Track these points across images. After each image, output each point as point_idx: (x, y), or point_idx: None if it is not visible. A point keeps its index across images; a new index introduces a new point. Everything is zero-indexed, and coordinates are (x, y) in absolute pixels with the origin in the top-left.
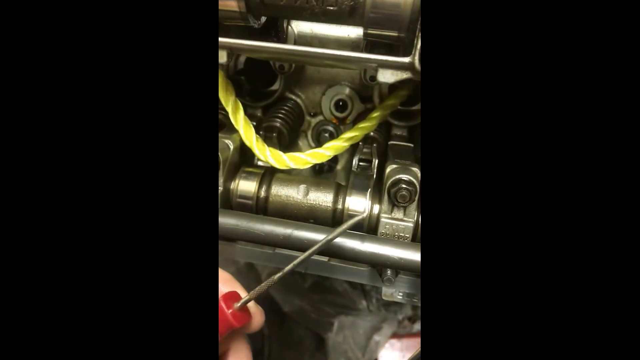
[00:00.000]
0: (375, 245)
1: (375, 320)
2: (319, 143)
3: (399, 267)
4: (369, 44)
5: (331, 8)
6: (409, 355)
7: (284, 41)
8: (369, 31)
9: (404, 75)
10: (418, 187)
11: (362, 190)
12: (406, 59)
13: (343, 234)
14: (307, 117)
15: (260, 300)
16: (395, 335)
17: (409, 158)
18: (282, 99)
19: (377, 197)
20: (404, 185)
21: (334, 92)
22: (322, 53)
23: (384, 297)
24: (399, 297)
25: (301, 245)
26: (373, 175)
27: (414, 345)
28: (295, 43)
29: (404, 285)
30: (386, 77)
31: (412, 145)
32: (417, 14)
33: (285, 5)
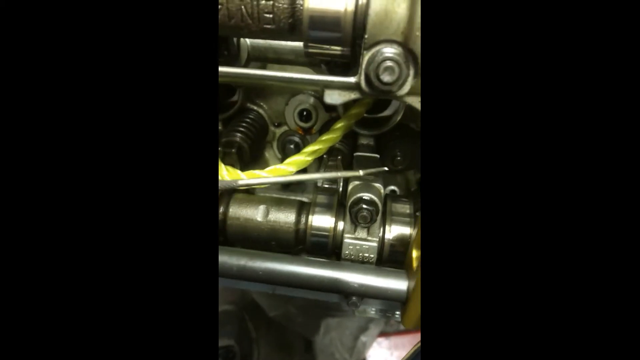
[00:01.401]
0: (335, 272)
1: (361, 320)
2: (284, 154)
3: (360, 294)
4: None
5: (268, 26)
6: (397, 352)
7: (236, 55)
8: (310, 50)
9: (352, 95)
10: (380, 205)
11: (326, 207)
12: (352, 79)
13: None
14: (272, 128)
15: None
16: (383, 334)
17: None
18: (242, 110)
19: (342, 214)
20: (364, 206)
21: (298, 101)
22: (263, 75)
23: (357, 314)
24: (372, 312)
25: (257, 277)
26: (339, 189)
27: (402, 342)
28: (248, 56)
29: (376, 301)
30: (333, 98)
31: (377, 155)
32: (360, 29)
33: (221, 24)
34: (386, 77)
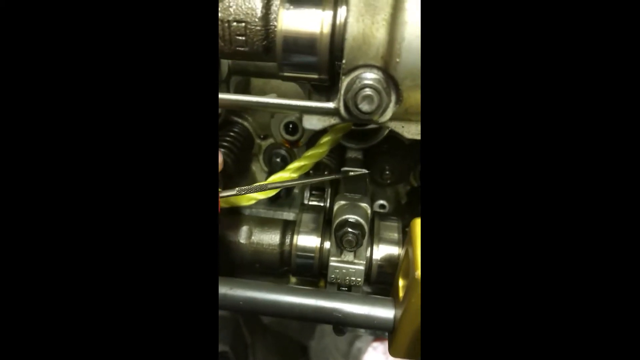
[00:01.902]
0: (319, 300)
1: None
2: (271, 167)
3: (344, 324)
4: None
5: (241, 49)
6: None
7: (221, 77)
8: (285, 74)
9: (332, 121)
10: (366, 227)
11: (311, 226)
12: (331, 105)
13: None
14: (257, 140)
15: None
16: (378, 339)
17: (361, 186)
18: (226, 123)
19: (328, 232)
20: (349, 229)
21: (283, 114)
22: (238, 100)
23: (347, 331)
24: (362, 332)
25: (238, 307)
26: (325, 206)
27: None
28: (229, 70)
29: None
30: (312, 123)
31: (366, 171)
32: (339, 53)
33: None
34: (365, 106)
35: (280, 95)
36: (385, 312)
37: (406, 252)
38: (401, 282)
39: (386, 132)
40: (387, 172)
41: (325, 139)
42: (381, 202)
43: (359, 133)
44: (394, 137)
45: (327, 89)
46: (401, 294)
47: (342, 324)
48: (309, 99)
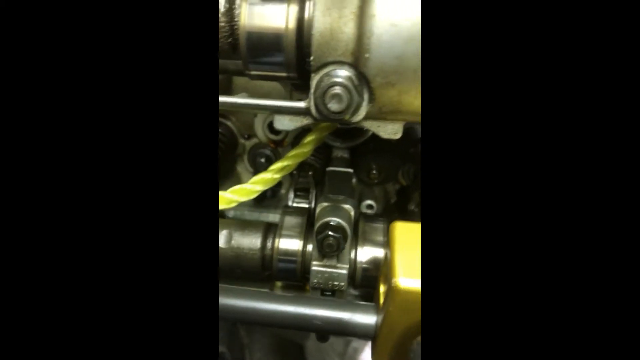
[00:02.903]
0: (298, 307)
1: None
2: (255, 168)
3: (324, 331)
4: None
5: None
6: None
7: None
8: (252, 72)
9: (304, 121)
10: (349, 231)
11: (294, 229)
12: (302, 104)
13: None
14: (242, 140)
15: None
16: None
17: (346, 186)
18: None
19: (311, 235)
20: (330, 233)
21: (267, 113)
22: None
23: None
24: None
25: (225, 316)
26: (310, 208)
27: None
28: None
29: None
30: (284, 124)
31: (351, 170)
32: (307, 49)
33: None
34: (334, 106)
35: (262, 94)
36: (366, 319)
37: (385, 257)
38: (382, 288)
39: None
40: (375, 172)
41: (310, 138)
42: (369, 202)
43: (345, 131)
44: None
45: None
46: (382, 300)
47: (322, 332)
48: (290, 97)
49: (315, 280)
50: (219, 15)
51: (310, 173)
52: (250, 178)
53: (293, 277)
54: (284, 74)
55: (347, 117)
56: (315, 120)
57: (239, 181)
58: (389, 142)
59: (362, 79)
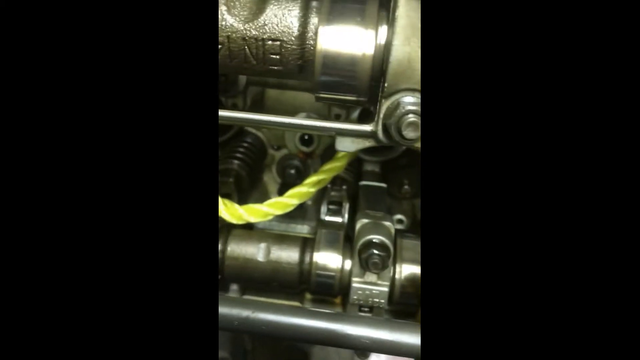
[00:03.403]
0: (343, 325)
1: None
2: (284, 179)
3: (371, 350)
4: None
5: (275, 68)
6: None
7: (234, 81)
8: (321, 95)
9: (367, 143)
10: (392, 249)
11: (332, 244)
12: (368, 127)
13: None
14: (271, 151)
15: None
16: None
17: (382, 201)
18: (239, 133)
19: (348, 250)
20: (375, 252)
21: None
22: (265, 121)
23: None
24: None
25: (260, 331)
26: (344, 223)
27: None
28: (247, 80)
29: None
30: (346, 146)
31: (384, 185)
32: (378, 75)
33: (221, 65)
34: (410, 134)
35: (296, 108)
36: (412, 339)
37: None
38: None
39: (403, 147)
40: (406, 187)
41: (343, 152)
42: (399, 216)
43: (377, 146)
44: (413, 151)
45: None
46: None
47: (370, 350)
48: (329, 113)
49: (355, 297)
50: (292, 38)
51: (343, 187)
52: (276, 188)
53: (330, 292)
54: (353, 98)
55: (417, 144)
56: (378, 144)
57: (265, 191)
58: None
59: None
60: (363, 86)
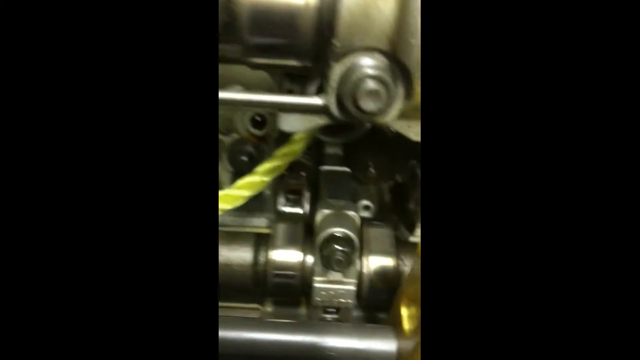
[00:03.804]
0: (306, 336)
1: None
2: (237, 167)
3: None
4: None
5: None
6: None
7: None
8: (253, 59)
9: (319, 121)
10: (357, 242)
11: (290, 239)
12: (317, 101)
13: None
14: (220, 137)
15: None
16: None
17: (346, 188)
18: None
19: (310, 245)
20: (338, 247)
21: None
22: None
23: None
24: None
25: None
26: (305, 214)
27: None
28: None
29: None
30: (292, 125)
31: (348, 170)
32: (327, 32)
33: None
34: (369, 105)
35: (244, 85)
36: (386, 345)
37: (412, 279)
38: (406, 312)
39: (368, 125)
40: (371, 170)
41: (301, 134)
42: (365, 202)
43: (338, 126)
44: (378, 129)
45: (304, 77)
46: (406, 325)
47: None
48: (280, 88)
49: (318, 299)
50: None
51: (302, 173)
52: (230, 178)
53: (291, 294)
54: (294, 63)
55: (378, 117)
56: (333, 120)
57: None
58: (386, 137)
59: (399, 70)
60: (307, 47)
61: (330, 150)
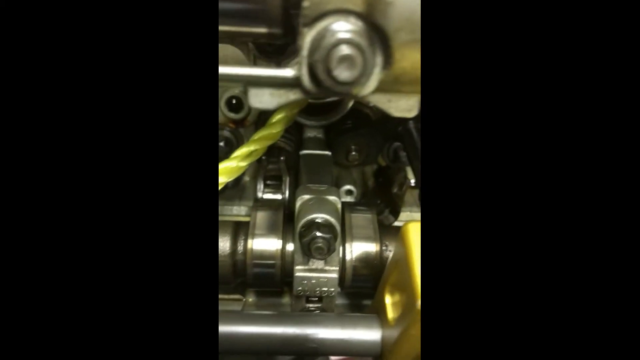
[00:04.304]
0: (287, 327)
1: None
2: None
3: (323, 353)
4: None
5: None
6: None
7: None
8: (219, 27)
9: (291, 96)
10: (338, 228)
11: (270, 227)
12: (288, 72)
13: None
14: None
15: None
16: None
17: (327, 172)
18: None
19: (290, 231)
20: (319, 234)
21: (224, 87)
22: None
23: None
24: None
25: None
26: (284, 200)
27: None
28: None
29: None
30: (262, 100)
31: (329, 153)
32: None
33: None
34: (343, 73)
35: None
36: (370, 334)
37: (395, 265)
38: (389, 299)
39: (350, 104)
40: (353, 154)
41: (279, 116)
42: (348, 187)
43: (318, 107)
44: (360, 111)
45: (279, 52)
46: (390, 314)
47: (319, 354)
48: (255, 66)
49: (300, 288)
50: None
51: (282, 158)
52: None
53: (271, 284)
54: (262, 30)
55: (354, 89)
56: (306, 95)
57: None
58: (368, 118)
59: (376, 35)
60: (275, 11)
61: (311, 133)
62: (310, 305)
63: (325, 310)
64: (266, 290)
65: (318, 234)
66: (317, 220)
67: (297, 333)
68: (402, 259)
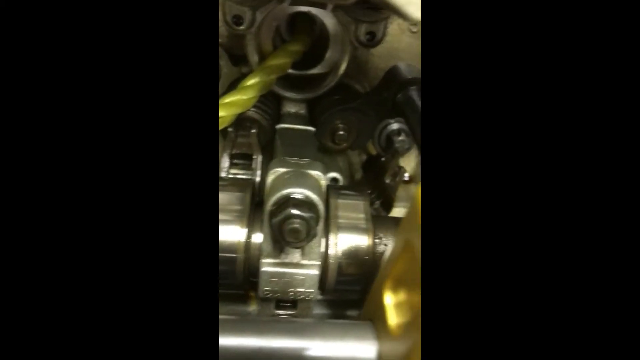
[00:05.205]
0: (259, 339)
1: None
2: None
3: None
4: None
5: None
6: None
7: None
8: None
9: None
10: (322, 208)
11: (232, 213)
12: None
13: None
14: None
15: None
16: None
17: (308, 148)
18: None
19: (259, 222)
20: (295, 212)
21: None
22: None
23: None
24: None
25: None
26: (253, 181)
27: None
28: None
29: None
30: None
31: (311, 128)
32: None
33: None
34: None
35: None
36: (362, 349)
37: (401, 252)
38: (391, 299)
39: (336, 79)
40: (341, 133)
41: (252, 80)
42: (333, 174)
43: (301, 79)
44: (348, 85)
45: None
46: (393, 319)
47: None
48: None
49: (267, 288)
50: None
51: (253, 131)
52: None
53: (231, 285)
54: None
55: None
56: None
57: None
58: (357, 93)
59: None
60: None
61: (292, 108)
62: (281, 311)
63: (299, 318)
64: (226, 293)
65: (294, 211)
66: (293, 196)
67: (261, 345)
68: (415, 240)
